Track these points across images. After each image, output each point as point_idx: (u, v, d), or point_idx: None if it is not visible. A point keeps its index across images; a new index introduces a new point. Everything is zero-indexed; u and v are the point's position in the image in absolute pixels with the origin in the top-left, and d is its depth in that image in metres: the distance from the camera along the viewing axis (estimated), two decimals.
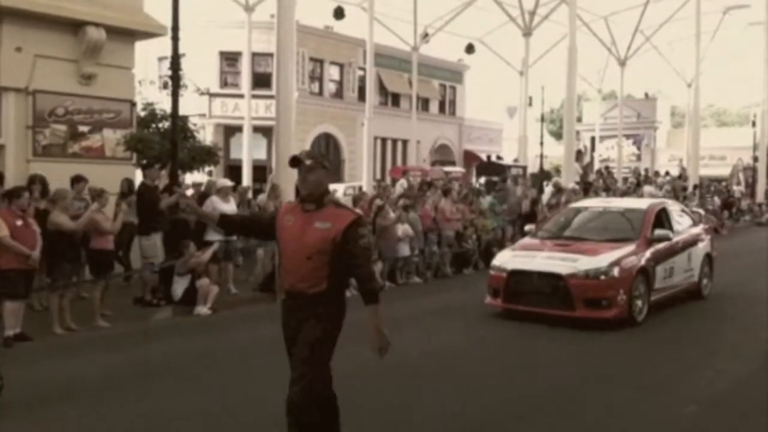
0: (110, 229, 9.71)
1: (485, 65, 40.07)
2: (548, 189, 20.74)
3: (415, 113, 32.39)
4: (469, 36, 34.59)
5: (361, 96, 31.61)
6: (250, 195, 13.88)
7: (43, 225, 8.95)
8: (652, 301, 9.87)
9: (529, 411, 6.15)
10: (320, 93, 32.35)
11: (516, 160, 33.83)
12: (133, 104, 14.22)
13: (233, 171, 26.53)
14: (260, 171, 27.19)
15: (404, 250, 13.62)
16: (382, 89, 35.27)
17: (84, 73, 13.11)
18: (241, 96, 28.61)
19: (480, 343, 8.94)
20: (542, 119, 35.94)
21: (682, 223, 11.45)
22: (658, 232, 10.27)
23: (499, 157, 37.12)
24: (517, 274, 9.87)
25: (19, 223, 8.48)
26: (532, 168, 34.40)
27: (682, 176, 29.65)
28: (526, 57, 32.69)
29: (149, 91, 17.38)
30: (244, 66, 28.65)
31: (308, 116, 29.52)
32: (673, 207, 11.91)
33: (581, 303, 9.23)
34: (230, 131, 29.58)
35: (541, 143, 34.50)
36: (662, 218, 10.83)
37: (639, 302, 9.54)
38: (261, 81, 28.61)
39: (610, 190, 22.16)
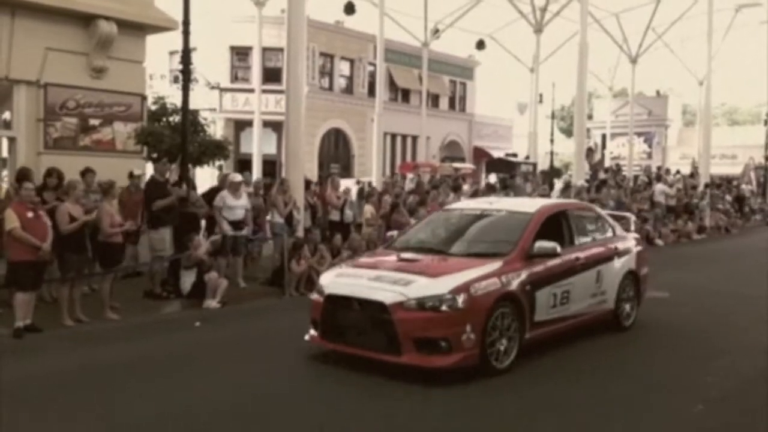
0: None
1: (496, 61, 39.98)
2: (557, 186, 20.71)
3: (425, 109, 32.34)
4: (480, 32, 34.53)
5: (371, 91, 31.59)
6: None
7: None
8: (532, 338, 7.40)
9: None
10: (330, 88, 32.36)
11: (527, 157, 33.76)
12: (144, 98, 14.27)
13: (243, 165, 26.56)
14: (270, 165, 27.23)
15: None
16: (392, 85, 35.24)
17: (95, 66, 13.16)
18: (251, 90, 28.65)
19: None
20: (552, 116, 35.83)
21: (592, 233, 9.00)
22: (541, 244, 7.63)
23: (509, 154, 37.03)
24: (335, 301, 7.26)
25: (30, 215, 8.52)
26: (542, 165, 34.34)
27: (694, 175, 29.51)
28: (536, 53, 32.60)
29: (160, 85, 17.47)
30: (255, 61, 28.70)
31: (318, 111, 29.53)
32: (580, 211, 9.35)
33: (410, 344, 6.67)
34: (240, 126, 29.63)
35: (552, 140, 34.41)
36: (561, 225, 8.43)
37: (501, 342, 6.95)
38: (271, 76, 28.64)
39: (621, 187, 22.09)
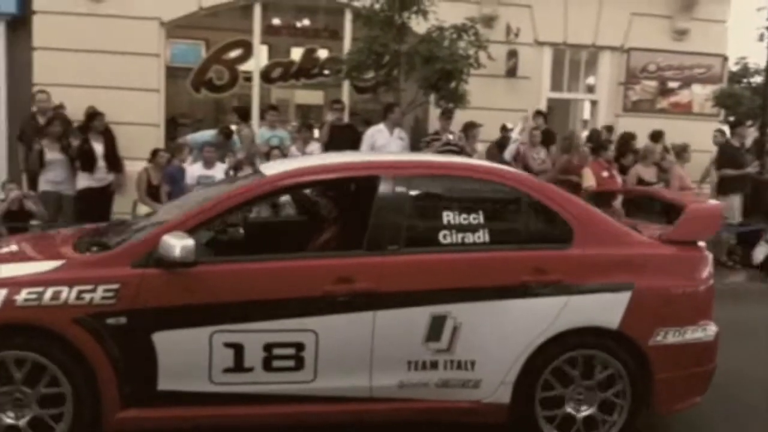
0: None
1: None
2: None
3: None
4: None
5: None
6: None
7: None
8: (136, 424, 3.82)
9: None
10: None
11: None
12: (725, 59, 13.83)
13: None
14: None
15: None
16: None
17: (677, 28, 13.25)
18: None
19: None
20: None
21: (465, 231, 4.14)
22: (168, 241, 3.69)
23: None
24: None
25: (605, 174, 9.20)
26: None
27: None
28: None
29: (742, 44, 16.63)
30: None
31: None
32: (445, 182, 4.42)
33: None
34: None
35: None
36: (348, 209, 4.57)
37: None
38: None
39: None
